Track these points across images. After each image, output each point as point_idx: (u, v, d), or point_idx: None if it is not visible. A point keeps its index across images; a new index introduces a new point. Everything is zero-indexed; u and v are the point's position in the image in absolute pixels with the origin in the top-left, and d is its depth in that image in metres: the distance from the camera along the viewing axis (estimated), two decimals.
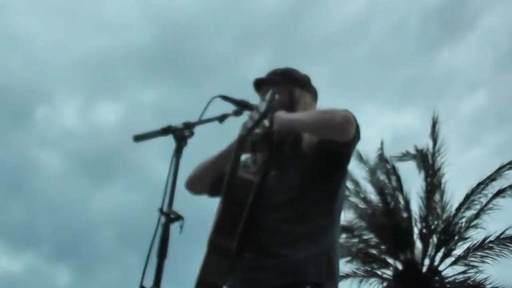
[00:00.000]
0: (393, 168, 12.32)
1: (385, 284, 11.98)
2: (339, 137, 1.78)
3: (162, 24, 30.48)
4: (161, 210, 1.58)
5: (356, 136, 1.83)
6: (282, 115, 1.82)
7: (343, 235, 11.89)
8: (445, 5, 26.41)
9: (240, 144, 1.75)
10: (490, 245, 11.24)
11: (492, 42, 25.08)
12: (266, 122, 1.72)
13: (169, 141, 1.68)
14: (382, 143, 12.33)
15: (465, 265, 11.49)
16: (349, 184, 12.25)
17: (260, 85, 2.10)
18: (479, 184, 11.53)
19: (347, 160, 1.97)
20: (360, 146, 11.93)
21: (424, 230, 11.82)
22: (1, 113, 27.93)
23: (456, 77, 24.73)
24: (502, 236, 11.16)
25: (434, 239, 11.79)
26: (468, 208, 11.65)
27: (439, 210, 11.86)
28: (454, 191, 11.90)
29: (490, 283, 11.15)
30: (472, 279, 11.30)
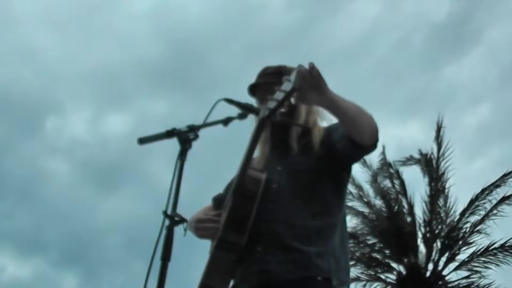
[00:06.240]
0: (397, 172, 12.31)
1: None
2: (366, 140, 1.77)
3: (171, 38, 30.98)
4: (165, 213, 1.58)
5: (375, 145, 1.83)
6: (330, 90, 1.67)
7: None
8: (449, 21, 26.80)
9: (261, 128, 1.64)
10: (494, 251, 11.21)
11: (496, 57, 25.30)
12: (292, 100, 1.62)
13: (176, 149, 1.68)
14: (384, 148, 12.33)
15: (469, 270, 11.46)
16: (352, 189, 12.25)
17: (254, 89, 2.10)
18: (483, 190, 11.51)
19: (354, 162, 1.99)
20: None
21: (428, 235, 11.80)
22: (13, 122, 28.40)
23: (460, 91, 24.96)
24: (507, 244, 11.13)
25: (438, 243, 11.76)
26: (473, 214, 11.63)
27: (443, 215, 11.83)
28: (458, 199, 11.91)
29: None
30: (476, 284, 11.27)
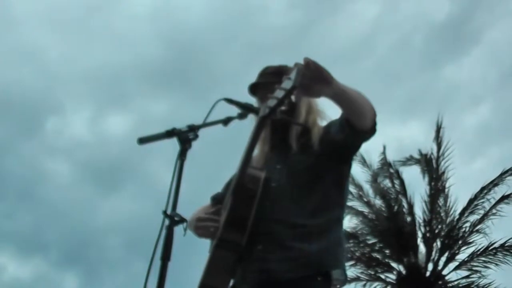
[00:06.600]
0: (397, 172, 12.32)
1: None
2: (367, 125, 1.79)
3: (171, 38, 31.11)
4: (165, 213, 1.58)
5: (375, 128, 1.84)
6: (336, 80, 1.66)
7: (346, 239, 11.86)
8: (449, 21, 26.85)
9: (261, 126, 1.64)
10: (494, 251, 11.21)
11: (496, 57, 25.37)
12: (293, 98, 1.61)
13: (176, 149, 1.68)
14: (384, 148, 12.35)
15: (469, 269, 11.46)
16: (352, 189, 12.24)
17: (255, 89, 2.10)
18: (482, 189, 11.51)
19: (355, 152, 2.00)
20: (364, 152, 11.96)
21: (428, 234, 11.80)
22: (13, 123, 28.53)
23: (460, 91, 25.07)
24: (506, 244, 11.14)
25: (438, 243, 11.76)
26: (472, 213, 11.63)
27: (443, 215, 11.83)
28: (458, 199, 11.91)
29: None
30: (476, 284, 11.27)
